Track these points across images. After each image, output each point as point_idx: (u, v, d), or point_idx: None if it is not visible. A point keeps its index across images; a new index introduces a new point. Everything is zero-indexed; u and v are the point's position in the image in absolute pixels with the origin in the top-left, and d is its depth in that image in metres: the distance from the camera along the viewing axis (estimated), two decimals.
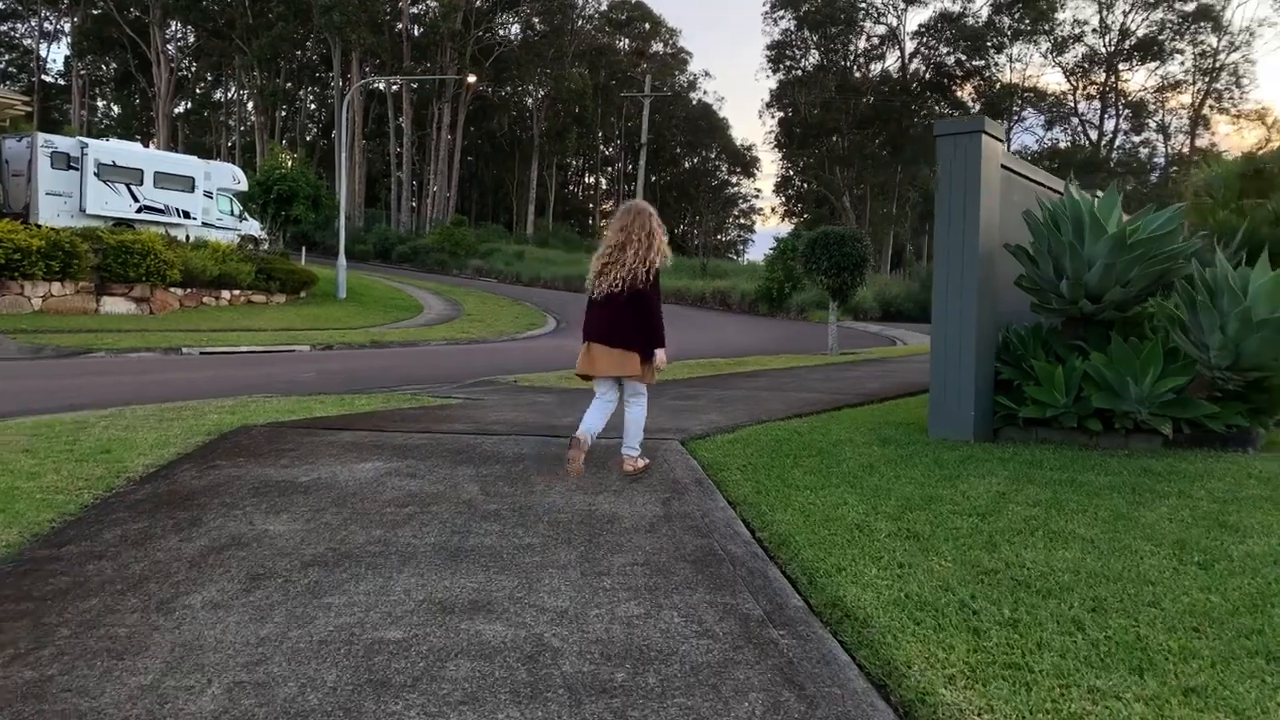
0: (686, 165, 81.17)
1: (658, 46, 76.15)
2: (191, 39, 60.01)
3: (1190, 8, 49.01)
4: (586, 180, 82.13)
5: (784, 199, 68.48)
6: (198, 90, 66.16)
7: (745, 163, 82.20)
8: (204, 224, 26.83)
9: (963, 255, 5.73)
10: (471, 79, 47.73)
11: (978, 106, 56.21)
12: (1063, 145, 54.42)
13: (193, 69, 63.99)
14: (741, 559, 3.51)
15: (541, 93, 61.34)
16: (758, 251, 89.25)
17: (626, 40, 71.94)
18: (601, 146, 75.60)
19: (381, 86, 57.55)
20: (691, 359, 14.77)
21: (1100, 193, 5.92)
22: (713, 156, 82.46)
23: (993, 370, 5.94)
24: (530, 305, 31.92)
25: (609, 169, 79.69)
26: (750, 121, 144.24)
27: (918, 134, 56.18)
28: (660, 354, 4.73)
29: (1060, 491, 4.41)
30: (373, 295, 27.91)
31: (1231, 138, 76.09)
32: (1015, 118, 55.86)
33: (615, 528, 3.87)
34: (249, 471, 4.85)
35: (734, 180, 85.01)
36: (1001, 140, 6.03)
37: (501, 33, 59.76)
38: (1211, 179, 21.80)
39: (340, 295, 25.86)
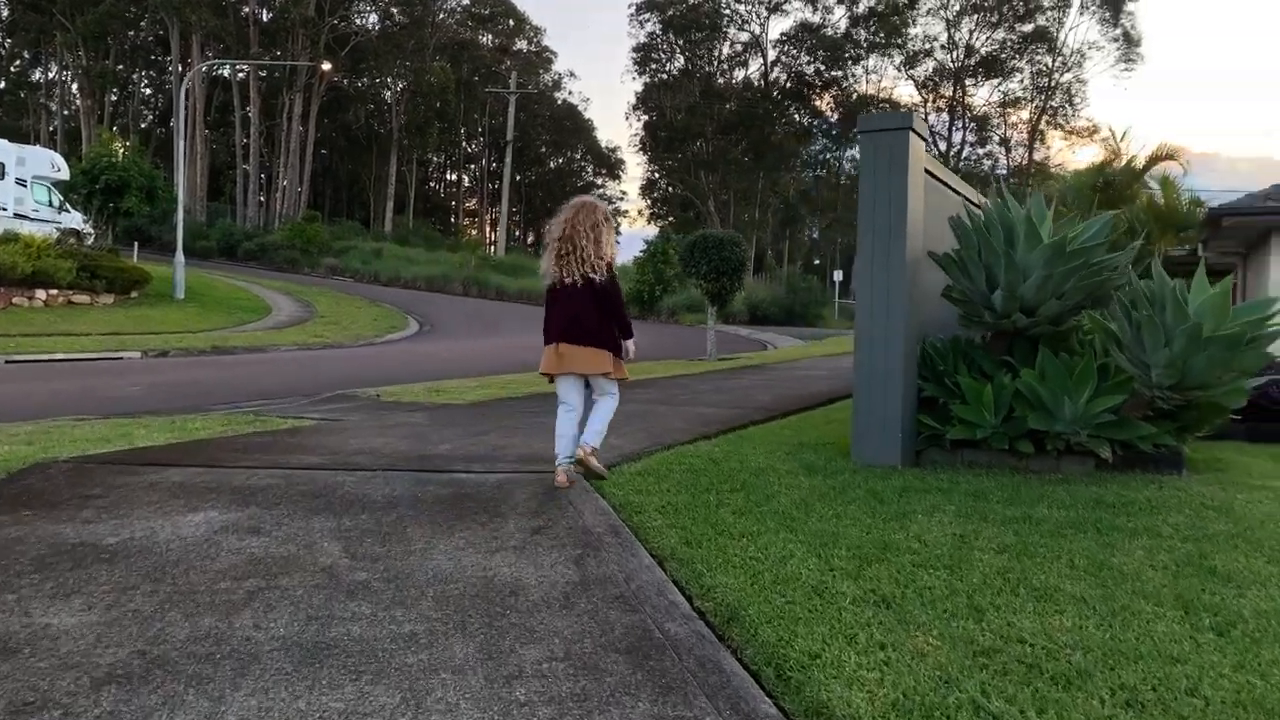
0: (552, 165, 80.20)
1: (522, 44, 74.85)
2: (5, 12, 54.40)
3: (1029, 29, 51.95)
4: (449, 177, 79.94)
5: (650, 202, 68.59)
6: (12, 69, 60.18)
7: (610, 165, 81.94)
8: (15, 215, 23.98)
9: (889, 266, 5.23)
10: (326, 67, 45.24)
11: (836, 116, 57.86)
12: None
13: (6, 44, 58.16)
14: (686, 644, 2.79)
15: (401, 85, 59.09)
16: (625, 253, 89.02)
17: (490, 36, 70.34)
18: (465, 143, 73.65)
19: (226, 73, 53.90)
20: None
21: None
22: (578, 157, 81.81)
23: (916, 389, 5.48)
24: (390, 306, 30.32)
25: (472, 167, 77.75)
26: (616, 124, 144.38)
27: (779, 141, 57.32)
28: (630, 344, 4.64)
29: (1022, 532, 3.92)
30: (215, 295, 25.73)
31: (1064, 153, 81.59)
32: None
33: (521, 602, 3.08)
34: (36, 530, 3.77)
35: (599, 182, 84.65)
36: (926, 140, 5.58)
37: (359, 21, 57.16)
38: (1065, 190, 22.80)
39: (178, 295, 23.63)
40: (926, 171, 5.75)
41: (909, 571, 3.40)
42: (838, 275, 42.58)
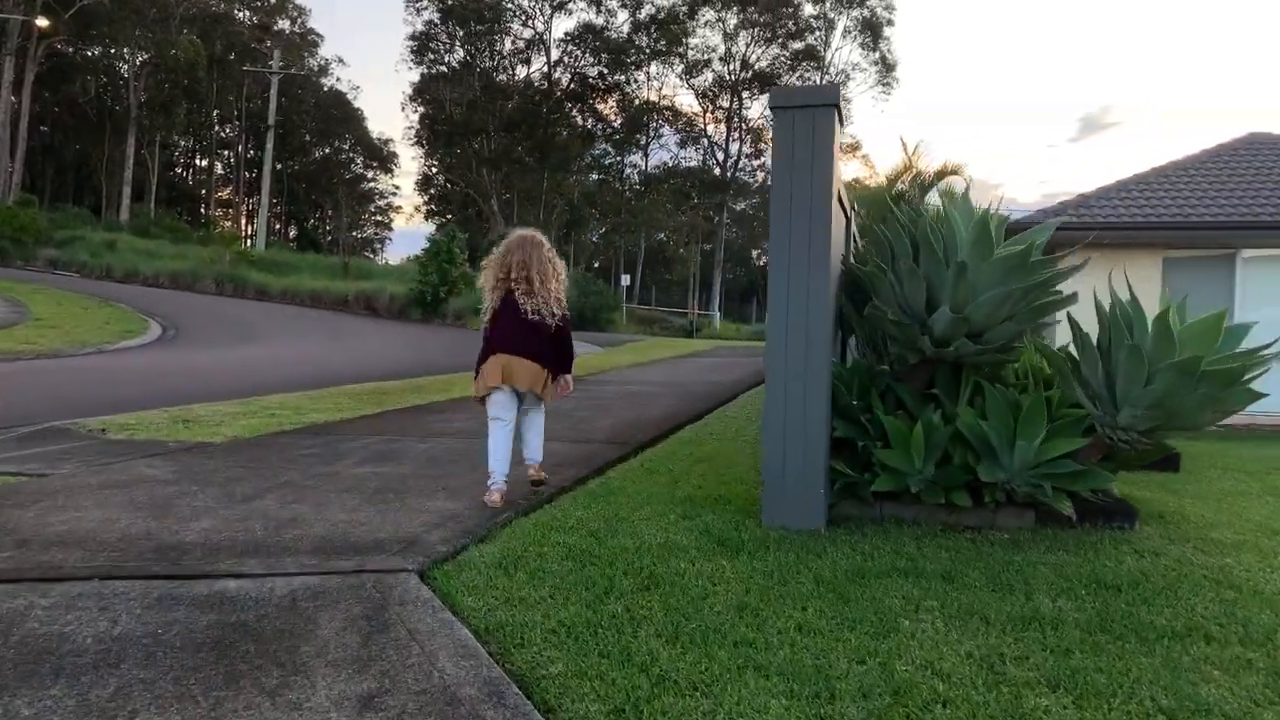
0: (318, 155, 74.89)
1: (284, 24, 69.37)
2: None
3: (800, 46, 54.30)
4: (199, 163, 72.54)
5: (427, 198, 65.54)
6: None
7: (383, 158, 77.79)
8: None
9: (809, 288, 4.12)
10: (42, 23, 39.07)
11: (619, 120, 57.82)
12: (694, 165, 57.74)
13: None
14: None
15: (143, 58, 52.57)
16: (397, 250, 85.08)
17: (248, 12, 64.48)
18: (218, 127, 67.11)
19: None
20: (351, 383, 12.08)
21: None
22: (347, 149, 76.99)
23: (830, 430, 4.42)
24: (125, 307, 26.24)
25: (227, 153, 71.09)
26: (389, 116, 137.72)
27: (564, 142, 56.41)
28: (568, 377, 4.94)
29: (1049, 644, 2.88)
30: None
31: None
32: (654, 134, 58.30)
33: None
34: None
35: (370, 175, 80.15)
36: (843, 124, 4.53)
37: None
38: (861, 200, 23.18)
39: None
40: None
41: None
42: (625, 279, 42.20)
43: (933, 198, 22.94)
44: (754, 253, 72.86)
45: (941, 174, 23.05)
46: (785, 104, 4.11)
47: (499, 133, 54.91)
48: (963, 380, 4.63)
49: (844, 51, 66.59)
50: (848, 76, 54.12)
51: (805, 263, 4.12)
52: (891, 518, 4.49)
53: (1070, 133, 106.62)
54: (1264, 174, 15.55)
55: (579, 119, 58.48)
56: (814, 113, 4.09)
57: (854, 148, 55.71)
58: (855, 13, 53.12)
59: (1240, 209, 12.55)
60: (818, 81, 54.84)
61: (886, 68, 54.03)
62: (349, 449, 6.28)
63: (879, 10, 52.83)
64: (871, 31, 53.46)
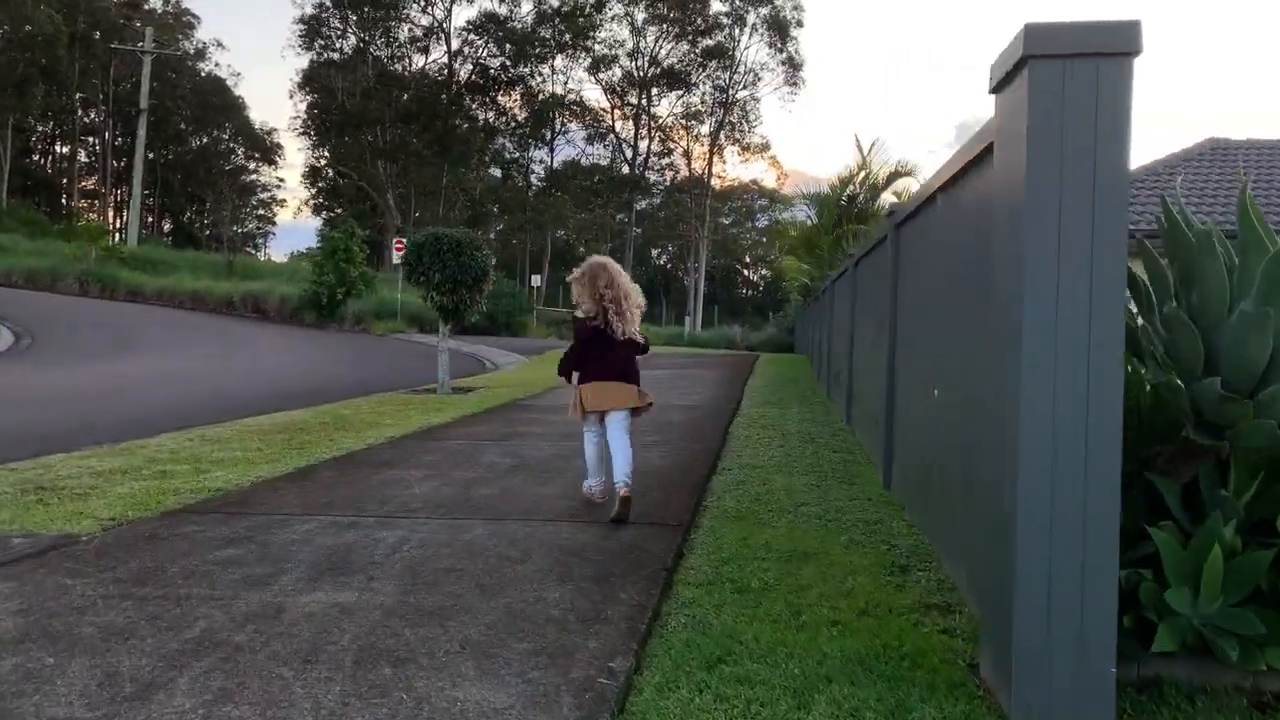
0: (195, 145, 69.90)
1: (156, 3, 64.46)
2: None
3: (710, 43, 53.36)
4: (59, 150, 66.58)
5: (315, 191, 61.82)
6: None
7: (266, 149, 73.31)
8: None
9: (1090, 331, 2.57)
10: None
11: (524, 115, 55.69)
12: (603, 162, 56.13)
13: None
14: None
15: None
16: (282, 246, 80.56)
17: None
18: (81, 111, 61.67)
19: None
20: (255, 413, 9.98)
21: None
22: (227, 138, 72.20)
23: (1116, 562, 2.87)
24: None
25: (92, 140, 65.53)
26: (274, 104, 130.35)
27: (465, 135, 53.91)
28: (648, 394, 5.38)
29: None
30: None
31: (740, 167, 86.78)
32: (560, 130, 56.39)
33: None
34: None
35: (253, 167, 75.43)
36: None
37: None
38: (811, 202, 22.05)
39: None
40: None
41: None
42: (536, 279, 40.25)
43: (888, 200, 21.95)
44: (653, 251, 71.73)
45: (896, 174, 22.12)
46: (1053, 50, 2.56)
47: (395, 124, 52.02)
48: (1233, 467, 3.18)
49: (753, 51, 66.03)
50: (757, 76, 53.60)
51: (1084, 303, 2.57)
52: (1161, 683, 2.99)
53: (948, 139, 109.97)
54: (1225, 186, 15.01)
55: (481, 112, 56.09)
56: (1098, 65, 2.56)
57: (763, 148, 55.23)
58: (763, 10, 52.54)
59: (1214, 218, 11.77)
60: (727, 80, 54.04)
61: (794, 68, 53.72)
62: (285, 547, 4.41)
63: (787, 10, 52.41)
64: (779, 30, 53.02)
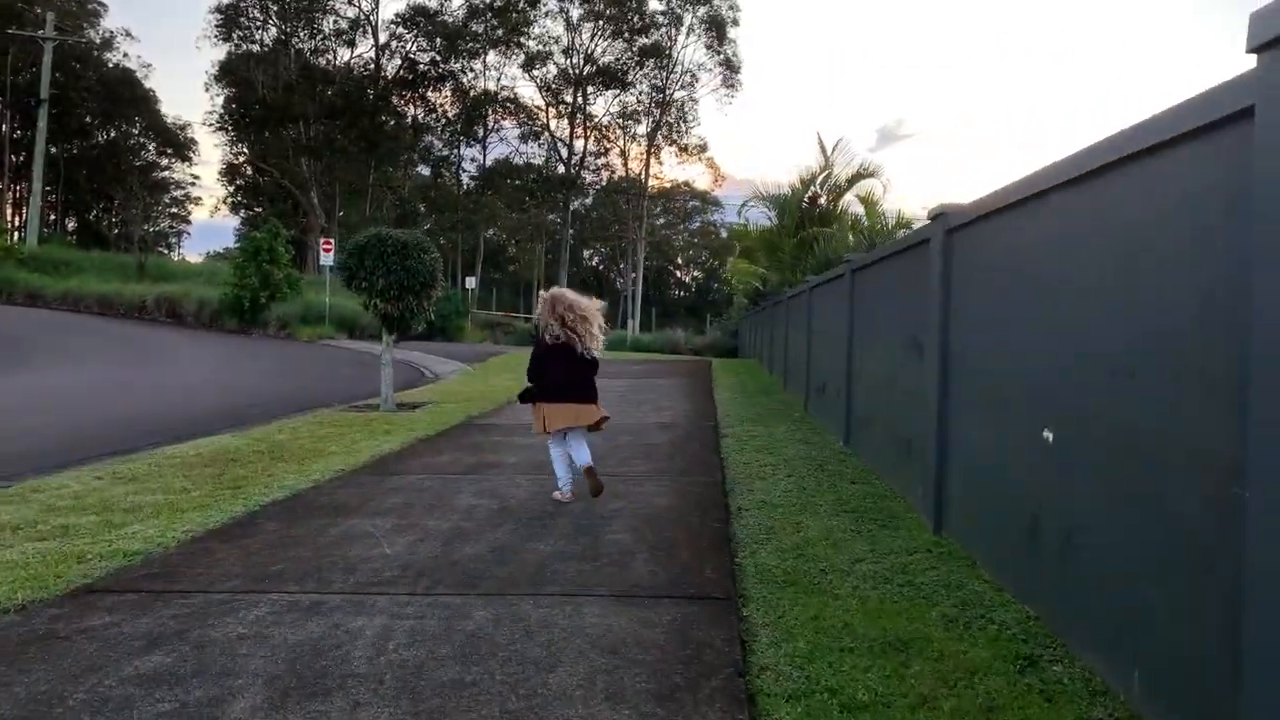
0: (102, 139, 66.15)
1: None
2: None
3: (647, 42, 52.49)
4: None
5: (233, 189, 59.03)
6: None
7: (179, 144, 69.81)
8: None
9: None
10: None
11: (455, 111, 54.06)
12: (537, 161, 54.80)
13: None
14: None
15: None
16: (197, 246, 77.19)
17: None
18: None
19: None
20: (176, 439, 8.72)
21: None
22: (138, 133, 68.55)
23: None
24: None
25: None
26: (187, 99, 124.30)
27: (394, 132, 52.04)
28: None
29: None
30: None
31: (677, 168, 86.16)
32: (493, 128, 54.92)
33: None
34: None
35: (165, 163, 71.80)
36: None
37: None
38: (774, 204, 21.28)
39: None
40: None
41: None
42: (470, 281, 38.85)
43: (850, 204, 21.30)
44: (585, 253, 70.70)
45: (859, 176, 21.50)
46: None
47: (320, 119, 49.84)
48: None
49: (690, 50, 65.41)
50: (694, 77, 52.94)
51: None
52: None
53: (870, 142, 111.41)
54: None
55: (410, 108, 54.27)
56: None
57: (701, 149, 54.68)
58: (701, 10, 51.92)
59: None
60: (665, 80, 53.29)
61: (731, 69, 53.18)
62: (231, 650, 3.34)
63: (724, 10, 51.88)
64: (717, 30, 52.44)
